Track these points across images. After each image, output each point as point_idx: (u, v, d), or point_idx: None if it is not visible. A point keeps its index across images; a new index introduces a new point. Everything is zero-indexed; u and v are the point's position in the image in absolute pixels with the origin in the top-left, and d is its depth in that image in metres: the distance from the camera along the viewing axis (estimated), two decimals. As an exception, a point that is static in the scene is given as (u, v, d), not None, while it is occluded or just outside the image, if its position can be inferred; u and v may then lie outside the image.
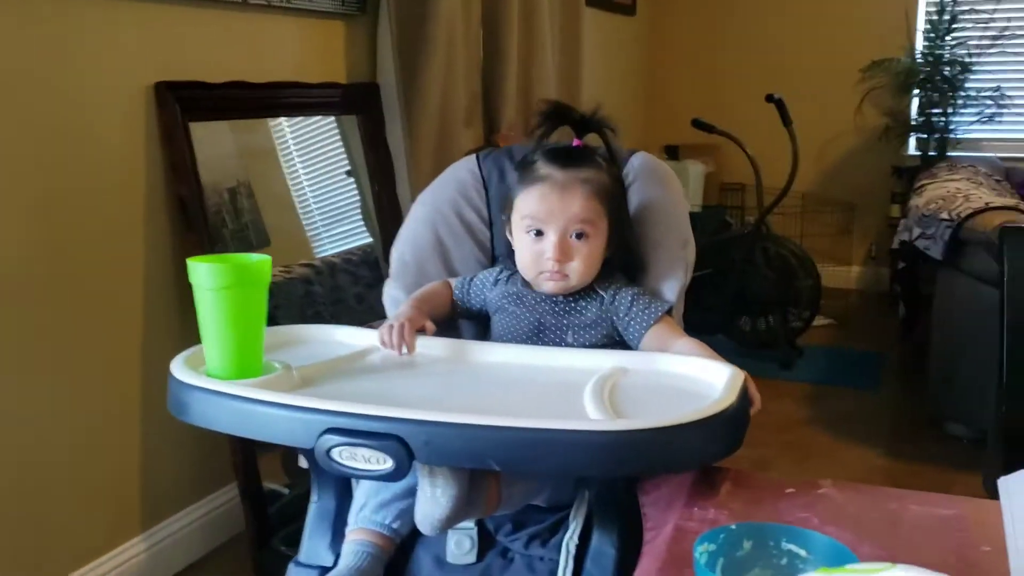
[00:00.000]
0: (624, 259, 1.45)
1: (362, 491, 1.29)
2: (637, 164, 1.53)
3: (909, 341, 4.02)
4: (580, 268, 1.35)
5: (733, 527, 0.83)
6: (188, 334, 1.25)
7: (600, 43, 4.21)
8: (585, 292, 1.39)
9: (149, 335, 2.07)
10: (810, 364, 3.82)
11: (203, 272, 1.10)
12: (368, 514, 1.26)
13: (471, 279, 1.49)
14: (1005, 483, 1.03)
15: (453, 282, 1.50)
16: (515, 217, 1.39)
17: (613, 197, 1.38)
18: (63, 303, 1.87)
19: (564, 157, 1.36)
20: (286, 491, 2.30)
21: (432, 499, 1.08)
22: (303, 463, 1.40)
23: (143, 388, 2.07)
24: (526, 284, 1.42)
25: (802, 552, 0.82)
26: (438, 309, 1.45)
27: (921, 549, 0.86)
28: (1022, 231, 1.33)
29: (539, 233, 1.35)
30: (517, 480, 1.19)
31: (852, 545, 0.83)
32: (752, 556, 0.83)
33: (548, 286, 1.37)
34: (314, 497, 1.33)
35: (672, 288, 1.43)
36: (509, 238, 1.43)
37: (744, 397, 1.09)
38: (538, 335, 1.38)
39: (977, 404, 2.78)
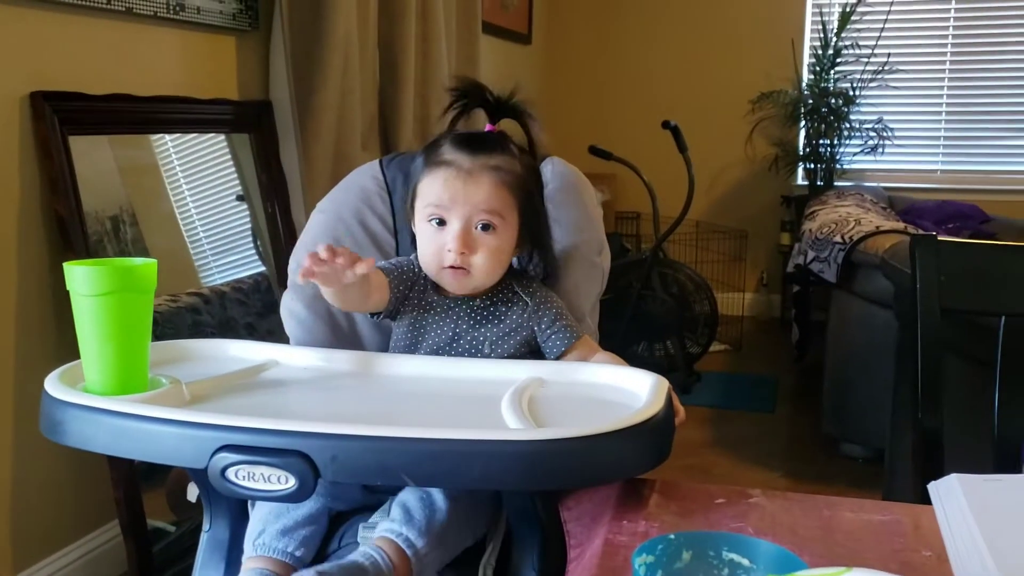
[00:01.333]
0: (540, 262, 1.37)
1: (259, 516, 1.18)
2: (550, 169, 1.47)
3: (803, 364, 4.09)
4: (484, 264, 1.25)
5: (672, 536, 0.77)
6: (66, 361, 1.13)
7: (497, 70, 4.20)
8: (504, 295, 1.31)
9: (22, 362, 1.92)
10: (708, 389, 3.85)
11: (81, 277, 0.99)
12: (268, 541, 1.15)
13: (396, 261, 1.35)
14: (935, 488, 1.01)
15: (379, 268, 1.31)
16: (418, 205, 1.28)
17: (526, 190, 1.28)
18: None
19: (473, 142, 1.26)
20: (172, 528, 2.17)
21: None
22: (192, 496, 1.29)
23: (14, 418, 1.91)
24: (436, 290, 1.32)
25: (744, 561, 0.77)
26: (378, 291, 1.27)
27: (862, 556, 0.82)
28: (931, 239, 1.34)
29: (442, 223, 1.25)
30: (429, 550, 1.10)
31: (791, 554, 0.78)
32: (692, 567, 0.78)
33: (450, 283, 1.27)
34: (206, 526, 1.22)
35: (588, 297, 1.38)
36: (413, 229, 1.33)
37: (670, 405, 1.04)
38: (450, 347, 1.29)
39: (871, 424, 2.82)
